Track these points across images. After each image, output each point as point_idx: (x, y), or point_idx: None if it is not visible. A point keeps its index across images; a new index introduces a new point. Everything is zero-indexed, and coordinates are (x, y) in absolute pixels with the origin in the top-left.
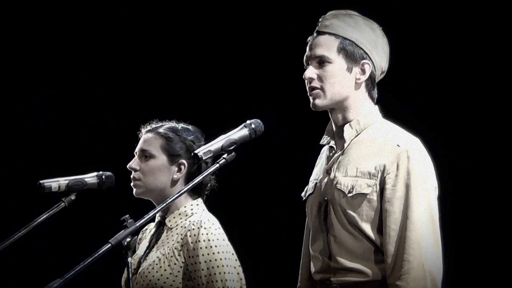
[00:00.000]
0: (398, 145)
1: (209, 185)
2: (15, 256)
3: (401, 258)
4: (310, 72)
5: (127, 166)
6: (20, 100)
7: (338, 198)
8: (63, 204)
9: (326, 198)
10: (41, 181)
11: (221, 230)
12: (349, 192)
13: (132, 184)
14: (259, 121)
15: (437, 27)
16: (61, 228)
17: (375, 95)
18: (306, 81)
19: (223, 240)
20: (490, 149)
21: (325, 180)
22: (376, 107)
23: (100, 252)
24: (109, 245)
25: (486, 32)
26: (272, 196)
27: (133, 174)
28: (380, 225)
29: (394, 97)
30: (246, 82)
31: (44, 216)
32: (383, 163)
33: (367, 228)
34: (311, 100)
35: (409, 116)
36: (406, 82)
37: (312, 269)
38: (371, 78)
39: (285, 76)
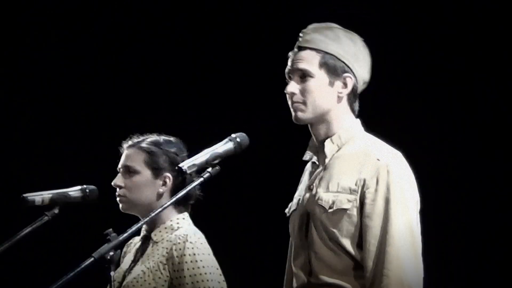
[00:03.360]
0: (378, 159)
1: (193, 198)
2: None
3: (380, 273)
4: (292, 87)
5: (112, 183)
6: (2, 112)
7: (319, 214)
8: (46, 217)
9: (308, 214)
10: (24, 195)
11: (207, 245)
12: (330, 207)
13: (118, 199)
14: (244, 134)
15: (420, 36)
16: (44, 242)
17: (357, 108)
18: (287, 95)
19: (208, 254)
20: (474, 161)
21: (307, 196)
22: (358, 120)
23: (83, 266)
24: (92, 259)
25: (464, 44)
26: (256, 212)
27: (118, 191)
28: (360, 241)
29: (376, 109)
30: (230, 95)
31: (27, 230)
32: (363, 178)
33: (347, 243)
34: (293, 113)
35: (390, 128)
36: (388, 93)
37: (294, 285)
38: (353, 91)
39: (270, 90)
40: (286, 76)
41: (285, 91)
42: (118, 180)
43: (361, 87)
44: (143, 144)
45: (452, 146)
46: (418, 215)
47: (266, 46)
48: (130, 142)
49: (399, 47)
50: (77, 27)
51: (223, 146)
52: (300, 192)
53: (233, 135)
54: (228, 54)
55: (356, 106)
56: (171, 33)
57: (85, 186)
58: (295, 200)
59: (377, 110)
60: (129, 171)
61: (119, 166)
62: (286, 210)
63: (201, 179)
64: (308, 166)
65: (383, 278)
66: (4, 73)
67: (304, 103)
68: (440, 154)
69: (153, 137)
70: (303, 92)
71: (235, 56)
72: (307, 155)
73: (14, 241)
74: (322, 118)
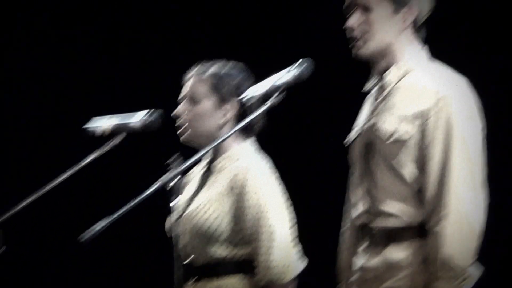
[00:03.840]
0: (439, 90)
1: (257, 126)
2: (62, 198)
3: (439, 203)
4: (353, 20)
5: (173, 113)
6: (67, 40)
7: (379, 144)
8: (108, 147)
9: (367, 144)
10: (86, 126)
11: (270, 173)
12: (389, 137)
13: (179, 131)
14: (308, 63)
15: None
16: (107, 170)
17: (423, 35)
18: (347, 30)
19: (271, 184)
20: None
21: (367, 126)
22: (423, 49)
23: (146, 194)
24: (155, 187)
25: None
26: (316, 142)
27: (180, 121)
28: (419, 170)
29: (443, 36)
30: (294, 24)
31: (91, 158)
32: (423, 109)
33: (406, 172)
34: (353, 50)
35: (457, 54)
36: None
37: (354, 214)
38: (418, 18)
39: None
40: (344, 11)
41: (345, 26)
42: (180, 109)
43: (425, 14)
44: (208, 72)
45: None
46: (480, 145)
47: None
48: (194, 71)
49: None
50: None
51: (287, 74)
52: (360, 123)
53: (297, 63)
54: None
55: (422, 33)
56: None
57: (148, 114)
58: (354, 131)
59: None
60: (193, 100)
61: (182, 94)
62: (345, 141)
63: (265, 107)
64: (369, 97)
65: (441, 208)
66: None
67: (365, 38)
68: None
69: (218, 65)
70: (364, 25)
71: None
72: (368, 86)
73: (78, 169)
74: (384, 51)
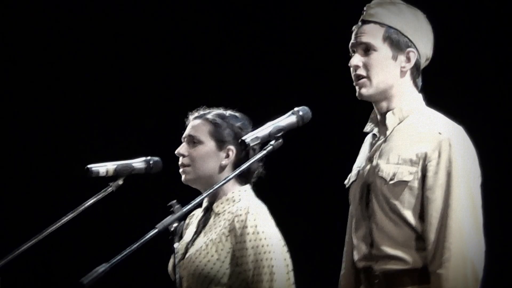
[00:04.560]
0: (440, 133)
1: (256, 172)
2: (63, 240)
3: (442, 245)
4: (356, 60)
5: (175, 152)
6: (70, 86)
7: (380, 186)
8: (110, 188)
9: (368, 186)
10: (89, 166)
11: (269, 216)
12: (391, 179)
13: (180, 170)
14: (307, 108)
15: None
16: (108, 213)
17: (420, 83)
18: (351, 69)
19: (271, 226)
20: None
21: (368, 167)
22: (420, 95)
23: (147, 237)
24: (156, 230)
25: None
26: (316, 184)
27: (181, 160)
28: (421, 213)
29: (439, 85)
30: (293, 70)
31: (92, 201)
32: (424, 151)
33: (408, 215)
34: (357, 90)
35: (453, 104)
36: (451, 69)
37: (355, 257)
38: (416, 66)
39: (331, 64)
40: (350, 50)
41: (348, 64)
42: (182, 149)
43: (423, 63)
44: (209, 116)
45: None
46: (480, 189)
47: (329, 20)
48: (196, 114)
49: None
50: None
51: (286, 120)
52: (360, 164)
53: (296, 109)
54: (291, 26)
55: (419, 81)
56: (233, 5)
57: (149, 157)
58: (354, 171)
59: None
60: (194, 141)
61: (184, 135)
62: (346, 182)
63: (264, 152)
64: (368, 138)
65: (444, 251)
66: (70, 52)
67: (368, 77)
68: (503, 130)
69: (219, 110)
70: (366, 65)
71: (299, 29)
72: (368, 127)
73: (78, 212)
74: (385, 93)
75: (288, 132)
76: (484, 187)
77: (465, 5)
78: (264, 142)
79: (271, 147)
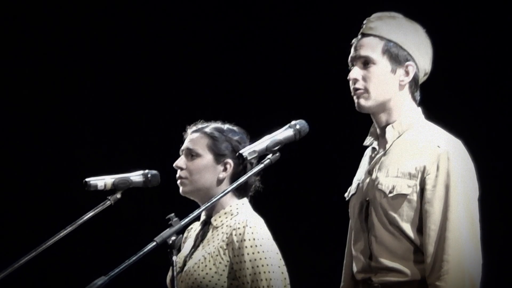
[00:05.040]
0: (438, 146)
1: (253, 185)
2: (61, 253)
3: (440, 258)
4: (355, 73)
5: (174, 165)
6: (68, 100)
7: (379, 198)
8: (108, 202)
9: (367, 199)
10: (87, 179)
11: (266, 230)
12: (390, 192)
13: (178, 182)
14: (304, 121)
15: (479, 30)
16: (106, 226)
17: (418, 97)
18: (350, 82)
19: (268, 239)
20: None
21: (367, 180)
22: (419, 109)
23: (145, 250)
24: (154, 243)
25: None
26: (316, 197)
27: (179, 173)
28: (420, 225)
29: (437, 99)
30: (291, 83)
31: (90, 214)
32: (423, 164)
33: (407, 228)
34: (356, 101)
35: (451, 118)
36: (449, 83)
37: (354, 269)
38: (415, 80)
39: (330, 77)
40: (349, 63)
41: (347, 77)
42: (180, 162)
43: (422, 77)
44: (207, 130)
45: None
46: (477, 202)
47: (328, 33)
48: (194, 127)
49: (462, 37)
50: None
51: (283, 133)
52: (360, 177)
53: (293, 122)
54: (289, 40)
55: (418, 95)
56: (232, 20)
57: (147, 171)
58: (354, 185)
59: (439, 100)
60: (192, 154)
61: (182, 148)
62: (346, 194)
63: (262, 165)
64: (368, 151)
65: (443, 264)
66: (70, 63)
67: (366, 90)
68: (500, 143)
69: (217, 124)
70: (365, 78)
71: (296, 42)
72: (368, 140)
73: (77, 225)
74: (383, 106)
75: (285, 146)
76: (482, 200)
77: (464, 20)
78: (261, 155)
79: (268, 160)
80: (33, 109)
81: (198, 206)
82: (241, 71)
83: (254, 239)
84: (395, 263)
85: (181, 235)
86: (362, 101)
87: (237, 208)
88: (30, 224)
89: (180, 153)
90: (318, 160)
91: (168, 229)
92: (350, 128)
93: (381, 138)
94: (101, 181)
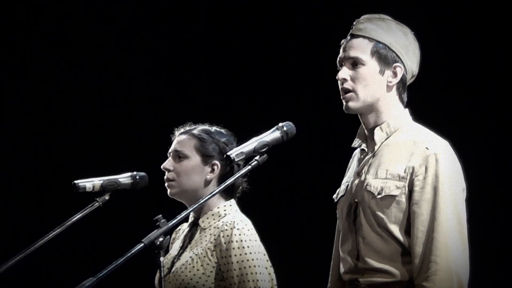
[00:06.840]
0: (427, 148)
1: (241, 187)
2: (49, 255)
3: (428, 259)
4: (344, 73)
5: (161, 167)
6: (56, 102)
7: (368, 200)
8: (97, 204)
9: (356, 200)
10: (75, 181)
11: (254, 231)
12: (378, 193)
13: (166, 184)
14: (291, 123)
15: (467, 31)
16: (95, 228)
17: (405, 99)
18: (339, 82)
19: (255, 240)
20: None
21: (356, 182)
22: (406, 110)
23: (133, 251)
24: (142, 244)
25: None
26: (304, 198)
27: (166, 175)
28: (408, 227)
29: (424, 101)
30: (277, 85)
31: (78, 216)
32: (412, 166)
33: (395, 229)
34: (344, 103)
35: (438, 119)
36: (436, 85)
37: (341, 270)
38: (402, 81)
39: (317, 78)
40: (338, 63)
41: (336, 78)
42: (167, 164)
43: (409, 79)
44: (195, 131)
45: (499, 136)
46: (465, 203)
47: (317, 34)
48: (182, 129)
49: (448, 39)
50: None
51: (271, 135)
52: (348, 178)
53: (280, 124)
54: (276, 41)
55: (405, 97)
56: (219, 22)
57: (135, 172)
58: (343, 186)
59: (425, 101)
60: (179, 156)
61: (170, 150)
62: (334, 196)
63: (249, 167)
64: (356, 153)
65: (431, 265)
66: (57, 64)
67: (354, 90)
68: (487, 144)
69: (205, 126)
70: (354, 79)
71: (283, 44)
72: (356, 142)
73: (65, 227)
74: (371, 107)
75: (273, 148)
76: (469, 201)
77: (453, 23)
78: (249, 157)
79: (256, 162)
80: (20, 112)
81: (185, 208)
82: (228, 74)
83: (241, 240)
84: (382, 264)
85: (168, 236)
86: (351, 103)
87: (224, 210)
88: (19, 226)
89: (168, 155)
90: (305, 162)
91: (155, 231)
92: (337, 130)
93: (369, 139)
94: (90, 183)
